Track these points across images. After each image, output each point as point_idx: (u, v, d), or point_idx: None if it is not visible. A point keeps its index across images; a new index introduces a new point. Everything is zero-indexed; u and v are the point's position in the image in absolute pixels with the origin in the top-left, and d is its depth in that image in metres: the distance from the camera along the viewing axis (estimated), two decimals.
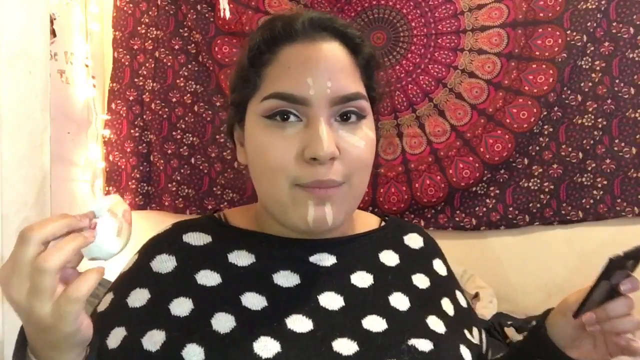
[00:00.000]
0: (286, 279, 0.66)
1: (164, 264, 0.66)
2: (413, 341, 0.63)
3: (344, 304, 0.65)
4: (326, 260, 0.68)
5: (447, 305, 0.72)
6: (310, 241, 0.69)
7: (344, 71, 0.63)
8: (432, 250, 0.79)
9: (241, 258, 0.67)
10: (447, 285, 0.76)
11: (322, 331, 0.61)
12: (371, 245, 0.74)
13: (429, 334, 0.65)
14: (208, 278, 0.65)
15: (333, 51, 0.64)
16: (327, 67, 0.62)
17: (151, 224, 2.31)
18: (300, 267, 0.67)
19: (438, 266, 0.77)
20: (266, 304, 0.63)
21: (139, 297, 0.64)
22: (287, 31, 0.64)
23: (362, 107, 0.64)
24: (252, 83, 0.65)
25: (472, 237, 2.10)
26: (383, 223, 0.79)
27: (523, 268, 2.08)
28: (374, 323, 0.64)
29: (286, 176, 0.61)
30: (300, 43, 0.64)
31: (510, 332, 1.70)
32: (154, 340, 0.59)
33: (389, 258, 0.73)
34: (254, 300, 0.63)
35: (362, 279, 0.68)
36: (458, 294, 0.77)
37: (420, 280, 0.72)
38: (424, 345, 0.63)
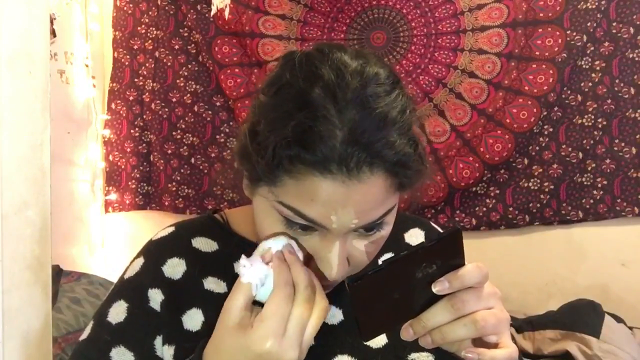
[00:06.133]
0: None
1: (175, 268, 0.65)
2: (414, 355, 0.62)
3: (343, 318, 0.64)
4: None
5: None
6: None
7: (376, 205, 0.53)
8: None
9: None
10: None
11: (323, 347, 0.61)
12: None
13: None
14: (215, 285, 0.65)
15: (370, 191, 0.50)
16: (356, 208, 0.51)
17: (151, 224, 2.31)
18: None
19: None
20: None
21: (156, 300, 0.64)
22: (316, 155, 0.48)
23: (386, 221, 0.57)
24: (261, 172, 0.53)
25: (471, 237, 2.10)
26: None
27: (523, 268, 2.08)
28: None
29: None
30: (330, 178, 0.49)
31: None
32: (169, 353, 0.61)
33: None
34: None
35: None
36: None
37: None
38: (425, 359, 0.62)
